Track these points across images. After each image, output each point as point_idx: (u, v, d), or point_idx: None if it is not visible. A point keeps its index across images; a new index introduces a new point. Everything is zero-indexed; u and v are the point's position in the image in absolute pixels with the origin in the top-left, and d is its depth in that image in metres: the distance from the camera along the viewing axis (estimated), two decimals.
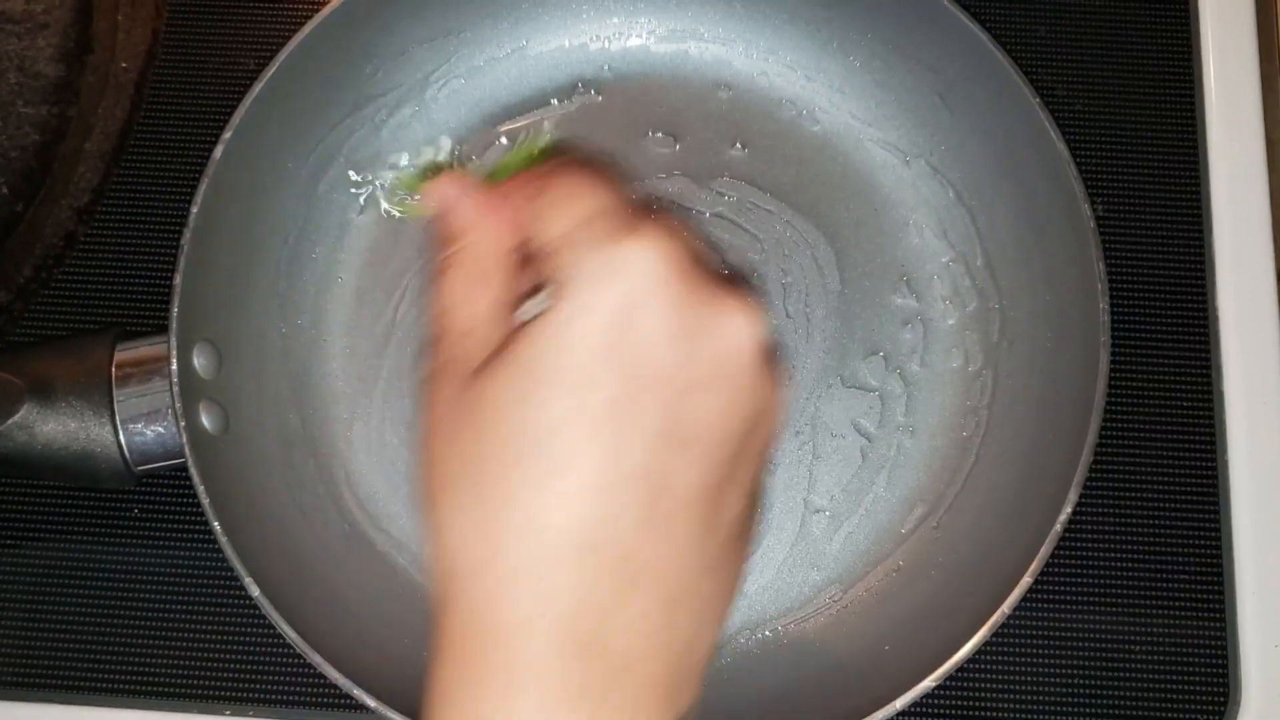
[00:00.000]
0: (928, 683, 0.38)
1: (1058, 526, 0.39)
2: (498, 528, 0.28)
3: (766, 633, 0.45)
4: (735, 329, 0.30)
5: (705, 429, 0.29)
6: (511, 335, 0.30)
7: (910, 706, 0.38)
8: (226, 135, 0.43)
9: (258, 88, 0.44)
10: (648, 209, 0.31)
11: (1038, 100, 0.44)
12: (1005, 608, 0.39)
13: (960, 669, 0.39)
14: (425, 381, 0.33)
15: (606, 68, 0.51)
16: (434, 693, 0.29)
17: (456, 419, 0.30)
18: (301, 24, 0.45)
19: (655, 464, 0.29)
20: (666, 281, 0.29)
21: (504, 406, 0.29)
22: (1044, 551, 0.39)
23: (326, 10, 0.45)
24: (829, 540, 0.46)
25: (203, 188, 0.42)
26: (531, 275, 0.33)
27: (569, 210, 0.31)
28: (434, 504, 0.30)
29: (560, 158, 0.34)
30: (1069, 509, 0.40)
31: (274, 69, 0.44)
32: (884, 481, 0.47)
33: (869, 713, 0.38)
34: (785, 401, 0.32)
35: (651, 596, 0.29)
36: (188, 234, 0.42)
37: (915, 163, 0.50)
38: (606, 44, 0.51)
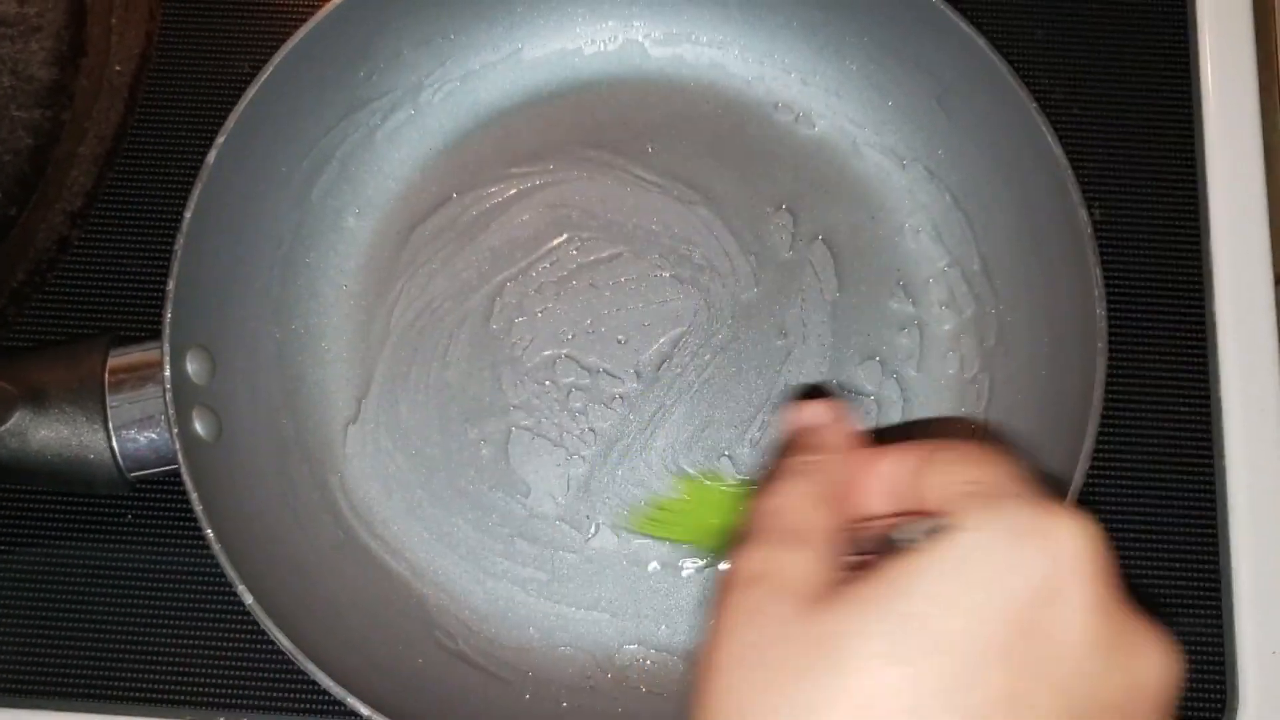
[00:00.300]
0: None
1: None
2: None
3: None
4: (1160, 660, 0.25)
5: None
6: (882, 565, 0.25)
7: None
8: (220, 139, 0.43)
9: (251, 91, 0.44)
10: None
11: (1035, 105, 0.44)
12: None
13: None
14: (729, 584, 0.27)
15: (601, 72, 0.51)
16: None
17: (784, 654, 0.24)
18: (295, 27, 0.44)
19: None
20: (1098, 573, 0.24)
21: (855, 659, 0.23)
22: None
23: (320, 14, 0.45)
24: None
25: (196, 192, 0.42)
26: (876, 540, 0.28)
27: (965, 471, 0.26)
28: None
29: None
30: None
31: (268, 73, 0.44)
32: None
33: None
34: None
35: None
36: (181, 239, 0.42)
37: (912, 167, 0.49)
38: (601, 48, 0.51)
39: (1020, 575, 0.23)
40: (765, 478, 0.30)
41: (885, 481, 0.29)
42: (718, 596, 0.27)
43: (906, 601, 0.24)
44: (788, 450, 0.31)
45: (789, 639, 0.25)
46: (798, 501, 0.28)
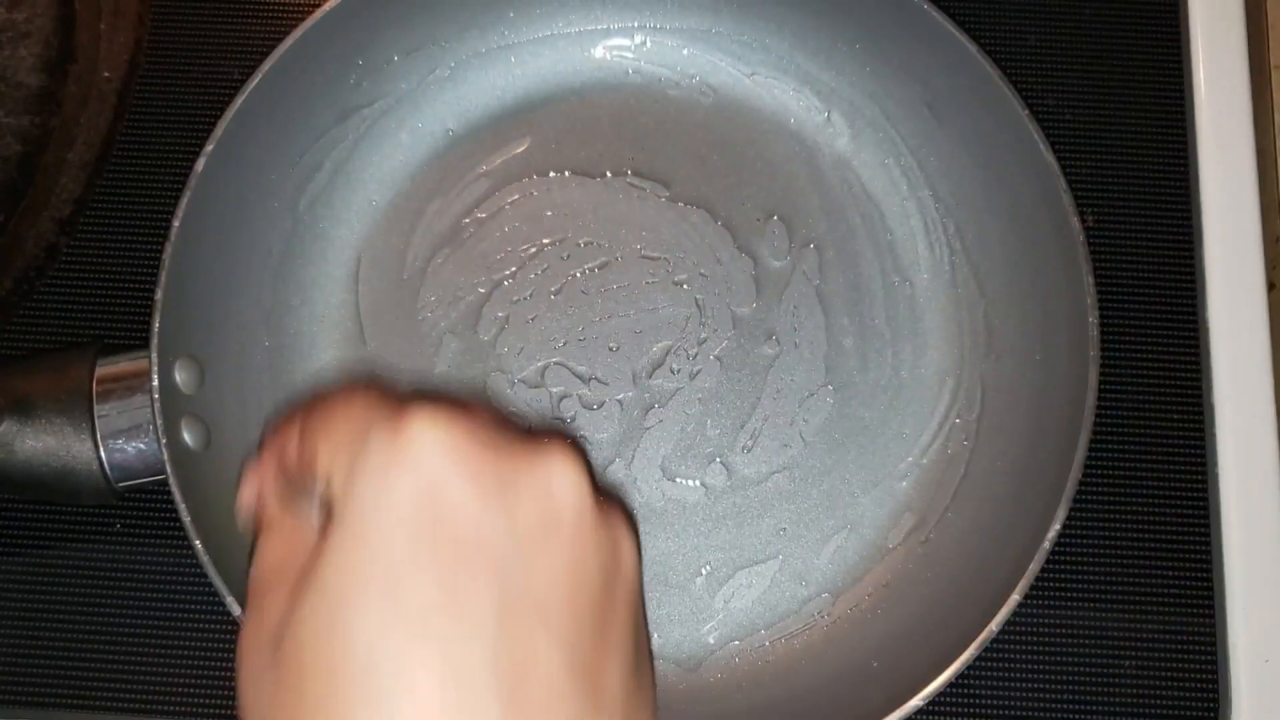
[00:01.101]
0: (916, 701, 0.38)
1: (1046, 544, 0.39)
2: None
3: (754, 648, 0.45)
4: (555, 472, 0.27)
5: (552, 594, 0.26)
6: (309, 558, 0.27)
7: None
8: (209, 147, 0.43)
9: (241, 98, 0.43)
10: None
11: (1026, 111, 0.43)
12: (994, 625, 0.38)
13: (949, 687, 0.38)
14: (237, 665, 0.28)
15: (592, 79, 0.51)
16: None
17: (270, 683, 0.26)
18: (285, 34, 0.44)
19: (505, 651, 0.25)
20: (460, 445, 0.26)
21: (310, 643, 0.25)
22: (1033, 568, 0.39)
23: (310, 21, 0.44)
24: (816, 555, 0.46)
25: (184, 200, 0.42)
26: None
27: (336, 419, 0.28)
28: None
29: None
30: (1058, 525, 0.39)
31: (257, 79, 0.44)
32: (872, 495, 0.46)
33: None
34: (637, 546, 0.29)
35: None
36: (169, 247, 0.41)
37: (903, 174, 0.49)
38: (592, 55, 0.51)
39: (396, 498, 0.25)
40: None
41: (298, 471, 0.30)
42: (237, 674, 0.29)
43: (325, 578, 0.25)
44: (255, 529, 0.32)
45: (266, 666, 0.26)
46: (266, 560, 0.30)
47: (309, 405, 0.30)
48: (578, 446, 0.28)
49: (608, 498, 0.28)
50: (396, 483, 0.26)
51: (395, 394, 0.29)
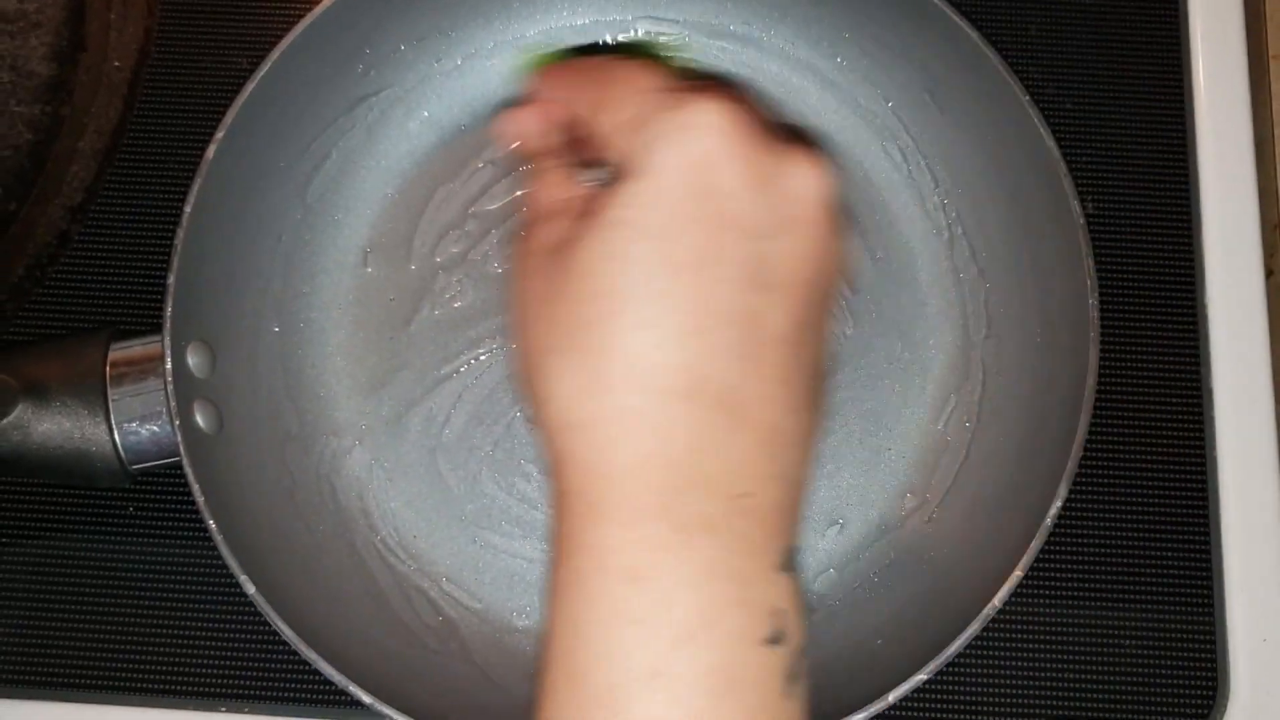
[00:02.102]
0: (920, 676, 0.38)
1: (1048, 521, 0.40)
2: (599, 381, 0.29)
3: None
4: (807, 178, 0.32)
5: (786, 272, 0.31)
6: (591, 203, 0.32)
7: (902, 700, 0.38)
8: (219, 134, 0.43)
9: (250, 87, 0.44)
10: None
11: (1027, 98, 0.44)
12: (996, 601, 0.39)
13: (952, 665, 0.39)
14: (513, 266, 0.34)
15: None
16: (560, 542, 0.30)
17: (547, 289, 0.31)
18: (294, 23, 0.45)
19: (742, 306, 0.30)
20: (737, 136, 0.30)
21: (593, 266, 0.30)
22: (1035, 545, 0.39)
23: (318, 10, 0.45)
24: (820, 535, 0.46)
25: (196, 186, 0.42)
26: (596, 156, 0.35)
27: (626, 93, 0.33)
28: (536, 372, 0.31)
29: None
30: (1059, 503, 0.40)
31: (266, 68, 0.44)
32: (875, 476, 0.47)
33: (862, 706, 0.38)
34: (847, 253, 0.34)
35: (752, 432, 0.30)
36: (181, 233, 0.42)
37: (904, 160, 0.50)
38: (597, 42, 0.51)
39: (682, 164, 0.30)
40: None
41: (581, 120, 0.35)
42: (514, 275, 0.34)
43: (614, 216, 0.30)
44: (524, 159, 0.38)
45: (546, 275, 0.32)
46: (546, 188, 0.36)
47: (596, 66, 0.35)
48: (826, 159, 0.33)
49: (836, 207, 0.33)
50: (682, 151, 0.30)
51: (680, 77, 0.33)
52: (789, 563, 0.30)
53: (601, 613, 0.29)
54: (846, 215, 0.34)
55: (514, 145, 0.39)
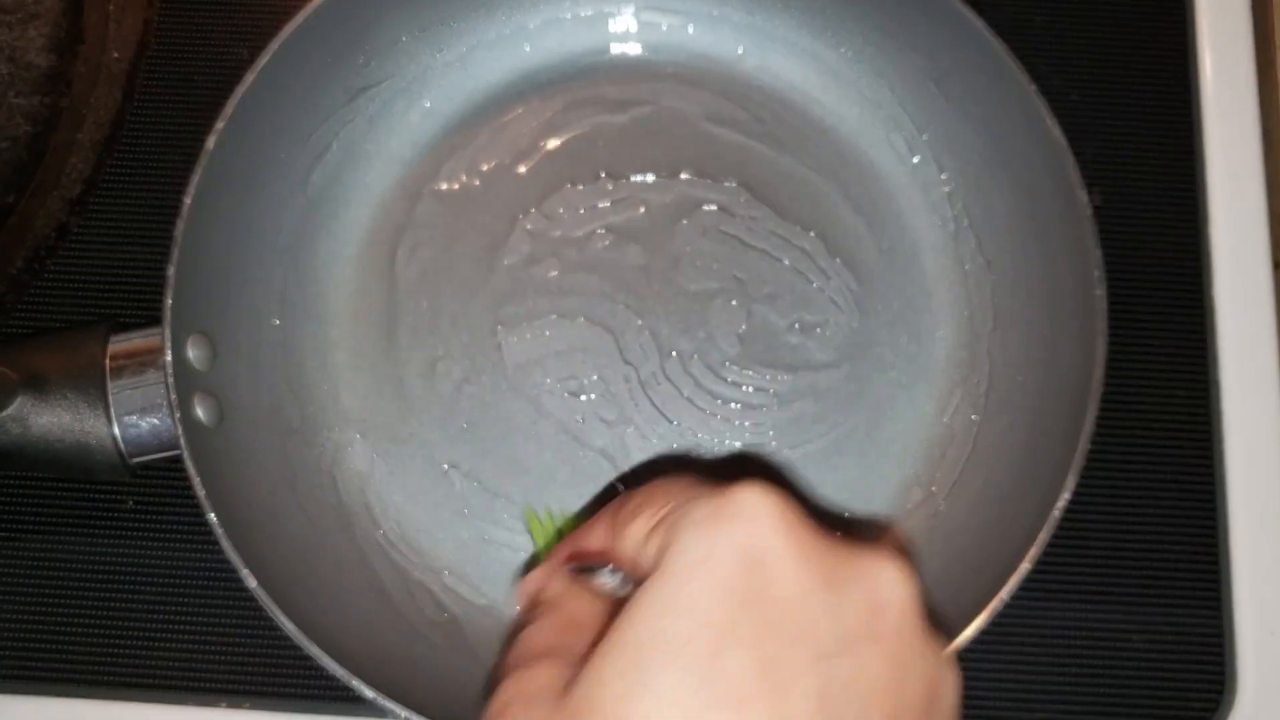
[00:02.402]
0: None
1: (1056, 512, 0.39)
2: None
3: None
4: (887, 580, 0.26)
5: (875, 694, 0.24)
6: (606, 623, 0.25)
7: None
8: (219, 125, 0.43)
9: (250, 78, 0.44)
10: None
11: (1034, 87, 0.44)
12: (1004, 594, 0.38)
13: (959, 659, 0.38)
14: (489, 717, 0.27)
15: (600, 58, 0.51)
16: None
17: None
18: (294, 13, 0.44)
19: None
20: (794, 523, 0.25)
21: (611, 705, 0.23)
22: (1043, 537, 0.39)
23: (318, 0, 0.44)
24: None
25: (196, 178, 0.42)
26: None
27: (646, 506, 0.27)
28: None
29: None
30: (1067, 495, 0.40)
31: (266, 59, 0.44)
32: (881, 469, 0.47)
33: None
34: (961, 682, 0.28)
35: None
36: (181, 224, 0.42)
37: (910, 150, 0.49)
38: (600, 33, 0.51)
39: (719, 558, 0.24)
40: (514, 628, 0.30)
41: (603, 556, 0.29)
42: None
43: (635, 635, 0.24)
44: (525, 615, 0.31)
45: None
46: (541, 634, 0.29)
47: (617, 504, 0.29)
48: (908, 558, 0.26)
49: (934, 627, 0.27)
50: (723, 542, 0.24)
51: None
52: None
53: None
54: (939, 627, 0.27)
55: (528, 597, 0.33)
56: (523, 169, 0.50)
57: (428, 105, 0.50)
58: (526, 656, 0.28)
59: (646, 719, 0.23)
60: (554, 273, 0.48)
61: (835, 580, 0.25)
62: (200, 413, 0.42)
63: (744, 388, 0.47)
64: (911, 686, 0.25)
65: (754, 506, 0.25)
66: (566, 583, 0.30)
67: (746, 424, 0.47)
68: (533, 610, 0.31)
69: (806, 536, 0.25)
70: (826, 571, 0.25)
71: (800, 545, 0.25)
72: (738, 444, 0.47)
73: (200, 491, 0.39)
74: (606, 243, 0.49)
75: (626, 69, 0.51)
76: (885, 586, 0.25)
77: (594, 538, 0.30)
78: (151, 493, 0.47)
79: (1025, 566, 0.39)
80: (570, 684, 0.25)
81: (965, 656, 0.39)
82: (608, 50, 0.51)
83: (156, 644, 0.46)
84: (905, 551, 0.27)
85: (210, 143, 0.43)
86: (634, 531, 0.27)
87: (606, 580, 0.28)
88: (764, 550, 0.24)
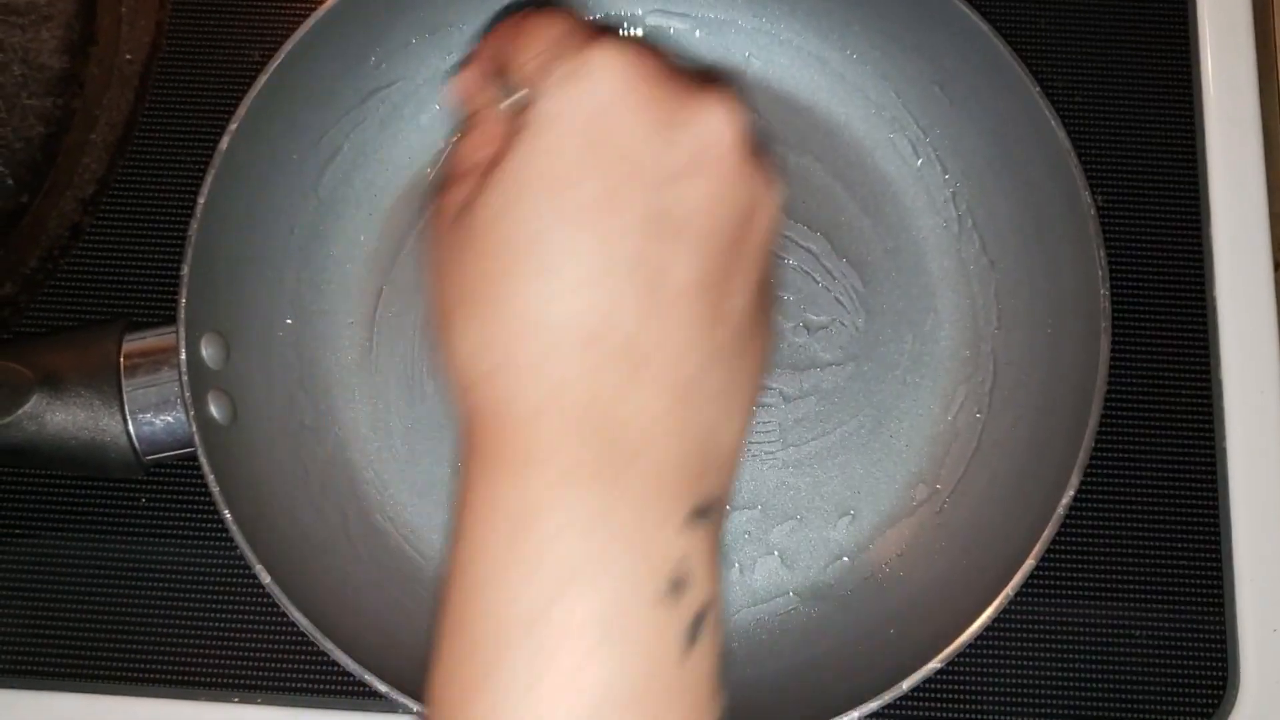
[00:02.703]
0: (934, 664, 0.38)
1: (1060, 509, 0.40)
2: (501, 333, 0.29)
3: (772, 616, 0.45)
4: (714, 118, 0.30)
5: (693, 218, 0.30)
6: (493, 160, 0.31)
7: (916, 690, 0.39)
8: (233, 126, 0.43)
9: (263, 80, 0.44)
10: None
11: (1038, 89, 0.44)
12: (1009, 590, 0.39)
13: (963, 655, 0.39)
14: (433, 219, 0.34)
15: None
16: (463, 489, 0.30)
17: (453, 248, 0.31)
18: (305, 16, 0.45)
19: (646, 253, 0.29)
20: (636, 79, 0.30)
21: (492, 222, 0.30)
22: (1047, 534, 0.40)
23: (330, 2, 0.45)
24: (831, 525, 0.46)
25: (209, 178, 0.43)
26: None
27: (537, 37, 0.32)
28: (443, 331, 0.31)
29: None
30: (1071, 492, 0.40)
31: (278, 60, 0.44)
32: (886, 467, 0.47)
33: (875, 695, 0.38)
34: (781, 197, 0.32)
35: (658, 383, 0.29)
36: (195, 224, 0.42)
37: (914, 153, 0.50)
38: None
39: (576, 110, 0.29)
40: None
41: (502, 71, 0.35)
42: (429, 239, 0.33)
43: (510, 170, 0.30)
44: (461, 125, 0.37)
45: (452, 235, 0.31)
46: (464, 150, 0.35)
47: (516, 21, 0.34)
48: (739, 100, 0.31)
49: (761, 158, 0.31)
50: (577, 99, 0.30)
51: (591, 25, 0.33)
52: (698, 518, 0.29)
53: (486, 559, 0.28)
54: (767, 153, 0.32)
55: (464, 109, 0.38)
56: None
57: (438, 108, 0.50)
58: (454, 169, 0.34)
59: (515, 226, 0.29)
60: None
61: (671, 124, 0.30)
62: (214, 411, 0.42)
63: None
64: (728, 207, 0.30)
65: (606, 64, 0.30)
66: (488, 95, 0.35)
67: (752, 422, 0.47)
68: (466, 122, 0.36)
69: (649, 88, 0.30)
70: (664, 117, 0.30)
71: (641, 96, 0.30)
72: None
73: (215, 488, 0.40)
74: None
75: None
76: (714, 126, 0.30)
77: (503, 50, 0.35)
78: (164, 490, 0.48)
79: (1030, 564, 0.39)
80: (467, 203, 0.31)
81: (968, 652, 0.39)
82: None
83: (169, 640, 0.46)
84: (736, 96, 0.32)
85: (224, 143, 0.43)
86: (518, 65, 0.32)
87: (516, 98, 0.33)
88: (609, 102, 0.29)
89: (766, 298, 0.33)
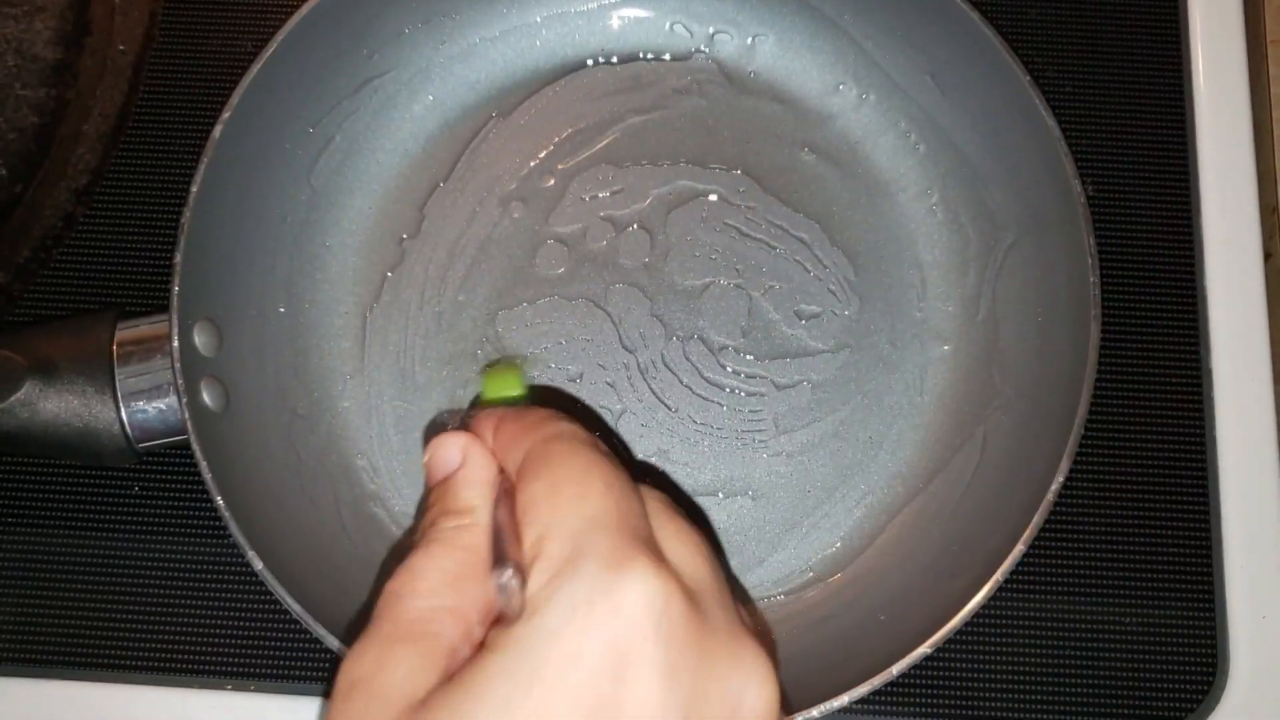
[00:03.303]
0: (924, 649, 0.38)
1: (1050, 496, 0.40)
2: None
3: (762, 604, 0.46)
4: (750, 687, 0.25)
5: None
6: (463, 670, 0.25)
7: (907, 679, 0.38)
8: (226, 115, 0.43)
9: (255, 69, 0.44)
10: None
11: (1029, 79, 0.44)
12: (999, 575, 0.39)
13: (953, 644, 0.39)
14: (336, 687, 0.26)
15: (600, 50, 0.51)
16: None
17: None
18: (298, 6, 0.45)
19: None
20: (670, 620, 0.24)
21: None
22: (1036, 521, 0.40)
23: None
24: (823, 513, 0.47)
25: (202, 167, 0.43)
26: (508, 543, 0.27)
27: (570, 505, 0.26)
28: None
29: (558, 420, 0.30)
30: (1061, 479, 0.40)
31: (271, 50, 0.44)
32: (877, 455, 0.47)
33: (865, 679, 0.38)
34: None
35: None
36: (188, 212, 0.42)
37: (906, 142, 0.50)
38: (600, 26, 0.51)
39: (591, 652, 0.24)
40: (405, 545, 0.28)
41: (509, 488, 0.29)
42: (331, 700, 0.26)
43: (498, 697, 0.24)
44: (428, 505, 0.29)
45: None
46: (425, 583, 0.27)
47: (553, 450, 0.28)
48: (773, 648, 0.27)
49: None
50: (595, 632, 0.24)
51: (628, 473, 0.27)
52: None
53: None
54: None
55: (435, 480, 0.31)
56: (524, 160, 0.50)
57: (431, 98, 0.51)
58: (404, 611, 0.27)
59: None
60: (554, 261, 0.49)
61: (698, 692, 0.25)
62: (207, 398, 0.42)
63: (742, 375, 0.48)
64: None
65: (641, 593, 0.24)
66: (476, 493, 0.29)
67: (744, 410, 0.48)
68: (434, 496, 0.29)
69: (682, 638, 0.25)
70: (692, 682, 0.24)
71: (672, 651, 0.24)
72: (735, 430, 0.47)
73: (207, 476, 0.40)
74: (607, 232, 0.49)
75: (626, 62, 0.51)
76: (747, 699, 0.25)
77: (507, 450, 0.30)
78: (157, 479, 0.48)
79: (1020, 549, 0.39)
80: (427, 704, 0.24)
81: (958, 644, 0.39)
82: (609, 43, 0.52)
83: (162, 627, 0.46)
84: (771, 642, 0.27)
85: (217, 132, 0.43)
86: (534, 524, 0.27)
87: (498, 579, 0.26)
88: (633, 652, 0.24)
89: None
